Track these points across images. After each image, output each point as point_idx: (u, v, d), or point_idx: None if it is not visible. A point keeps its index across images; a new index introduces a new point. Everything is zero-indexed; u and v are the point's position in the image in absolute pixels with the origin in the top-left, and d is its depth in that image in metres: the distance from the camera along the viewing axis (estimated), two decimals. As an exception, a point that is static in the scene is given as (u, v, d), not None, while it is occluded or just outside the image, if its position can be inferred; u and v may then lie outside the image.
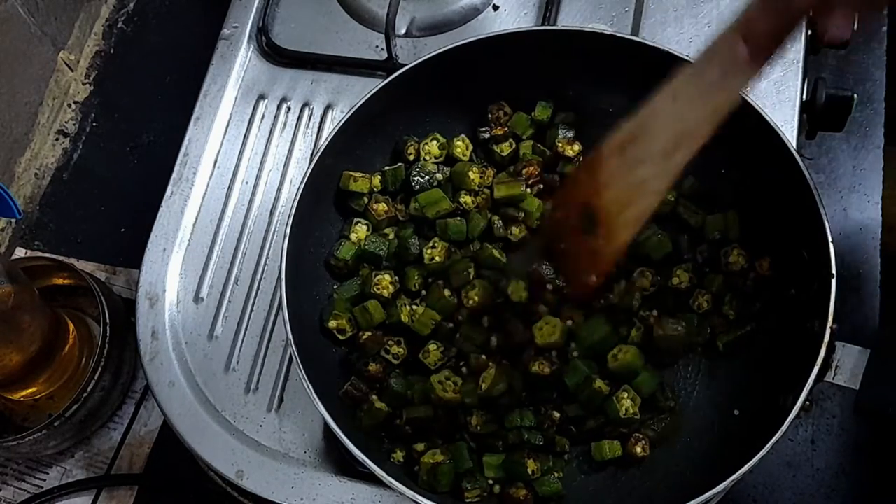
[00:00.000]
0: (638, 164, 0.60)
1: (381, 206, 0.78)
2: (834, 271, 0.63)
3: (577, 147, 0.77)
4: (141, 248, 0.84)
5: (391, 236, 0.78)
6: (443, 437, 0.71)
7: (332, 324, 0.74)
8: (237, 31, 0.93)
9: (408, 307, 0.74)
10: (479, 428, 0.70)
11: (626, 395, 0.70)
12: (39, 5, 0.96)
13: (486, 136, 0.80)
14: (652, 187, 0.60)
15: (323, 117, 0.88)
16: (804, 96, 0.80)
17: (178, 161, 0.87)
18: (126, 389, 0.87)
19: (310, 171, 0.72)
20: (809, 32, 0.83)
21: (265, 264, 0.83)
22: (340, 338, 0.74)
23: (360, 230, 0.78)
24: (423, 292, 0.76)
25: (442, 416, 0.71)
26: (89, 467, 0.86)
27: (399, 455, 0.71)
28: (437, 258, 0.75)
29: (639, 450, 0.69)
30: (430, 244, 0.76)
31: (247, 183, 0.87)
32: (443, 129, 0.80)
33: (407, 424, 0.71)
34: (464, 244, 0.77)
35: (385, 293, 0.75)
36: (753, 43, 0.54)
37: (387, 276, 0.75)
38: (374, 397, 0.72)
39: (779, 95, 0.79)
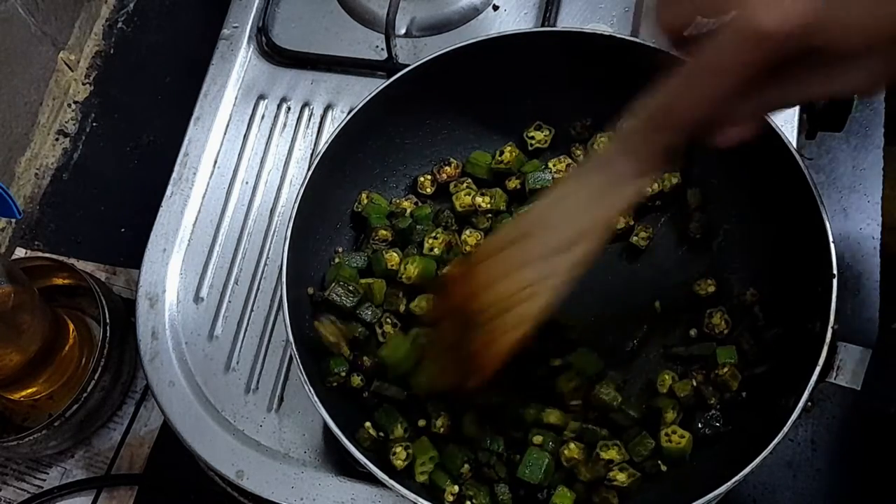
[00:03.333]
0: (519, 266, 0.57)
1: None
2: (835, 271, 0.63)
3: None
4: (141, 248, 0.84)
5: (407, 213, 0.78)
6: (409, 422, 0.71)
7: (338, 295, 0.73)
8: (237, 31, 0.93)
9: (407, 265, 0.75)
10: (441, 430, 0.70)
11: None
12: (39, 5, 0.96)
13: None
14: (541, 287, 0.57)
15: (323, 117, 0.88)
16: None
17: (178, 161, 0.87)
18: (126, 389, 0.87)
19: (311, 171, 0.72)
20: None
21: (265, 264, 0.83)
22: (347, 304, 0.73)
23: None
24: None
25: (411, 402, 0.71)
26: (89, 467, 0.86)
27: (402, 455, 0.70)
28: (436, 249, 0.75)
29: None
30: (433, 234, 0.76)
31: (247, 183, 0.87)
32: (442, 130, 0.81)
33: (375, 398, 0.72)
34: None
35: (398, 267, 0.75)
36: (636, 160, 0.53)
37: (395, 255, 0.76)
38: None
39: (779, 95, 0.79)
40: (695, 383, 0.69)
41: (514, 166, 0.79)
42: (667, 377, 0.70)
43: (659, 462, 0.68)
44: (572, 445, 0.68)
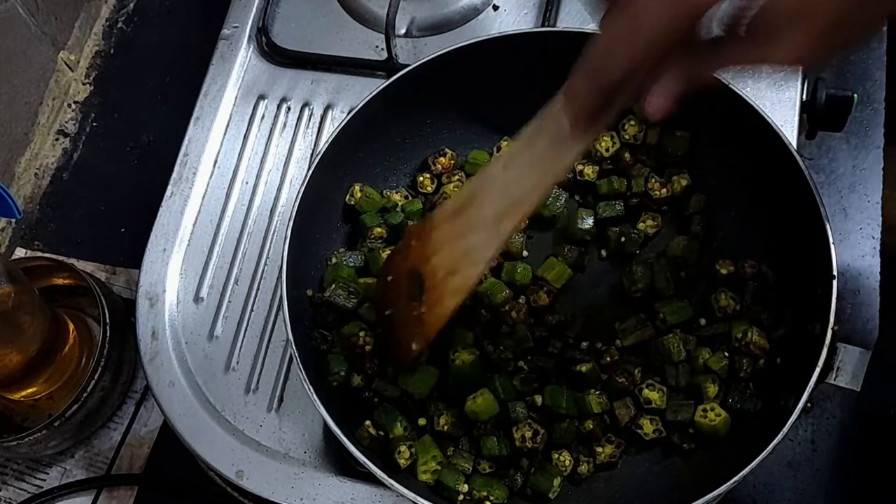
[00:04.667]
0: (467, 231, 0.60)
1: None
2: (835, 272, 0.63)
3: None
4: (141, 248, 0.84)
5: (398, 208, 0.78)
6: (409, 421, 0.71)
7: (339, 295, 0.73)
8: (237, 31, 0.93)
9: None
10: (445, 428, 0.70)
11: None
12: (39, 5, 0.96)
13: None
14: (478, 256, 0.60)
15: (323, 117, 0.88)
16: (804, 96, 0.80)
17: (178, 161, 0.87)
18: (126, 389, 0.87)
19: (311, 172, 0.72)
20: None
21: (265, 264, 0.83)
22: (348, 305, 0.73)
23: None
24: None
25: (410, 402, 0.72)
26: (89, 467, 0.86)
27: (406, 453, 0.70)
28: None
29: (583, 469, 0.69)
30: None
31: (247, 183, 0.87)
32: (443, 130, 0.81)
33: (375, 397, 0.72)
34: None
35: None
36: (575, 115, 0.54)
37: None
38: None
39: (779, 95, 0.79)
40: (727, 354, 0.70)
41: None
42: (705, 353, 0.70)
43: (686, 439, 0.69)
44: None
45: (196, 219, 0.85)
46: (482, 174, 0.61)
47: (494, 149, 0.80)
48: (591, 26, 0.86)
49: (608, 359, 0.71)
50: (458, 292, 0.62)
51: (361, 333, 0.72)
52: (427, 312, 0.63)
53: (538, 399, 0.70)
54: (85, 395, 0.80)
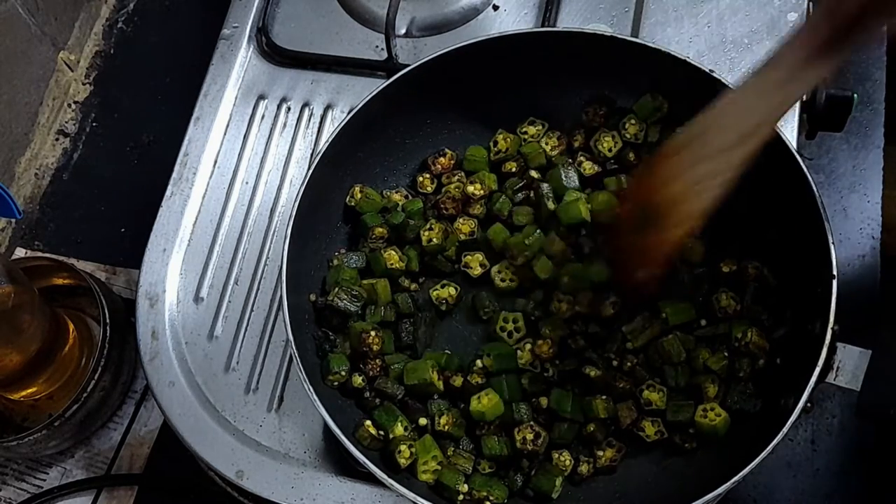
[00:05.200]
0: (700, 160, 0.61)
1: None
2: (835, 272, 0.63)
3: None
4: (141, 248, 0.84)
5: (399, 207, 0.78)
6: (409, 421, 0.71)
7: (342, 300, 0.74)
8: (237, 31, 0.93)
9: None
10: (446, 428, 0.71)
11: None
12: (39, 5, 0.96)
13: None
14: (711, 184, 0.60)
15: (323, 117, 0.88)
16: (804, 96, 0.80)
17: (178, 161, 0.87)
18: (126, 389, 0.87)
19: (311, 171, 0.72)
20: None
21: (265, 264, 0.83)
22: (351, 308, 0.73)
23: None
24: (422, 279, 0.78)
25: (411, 402, 0.72)
26: (89, 467, 0.86)
27: (406, 453, 0.70)
28: (434, 239, 0.76)
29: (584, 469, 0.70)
30: (428, 225, 0.76)
31: (247, 183, 0.87)
32: (443, 130, 0.81)
33: (376, 397, 0.72)
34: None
35: (397, 266, 0.76)
36: (834, 26, 0.54)
37: (394, 253, 0.76)
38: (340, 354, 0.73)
39: (779, 95, 0.79)
40: (727, 354, 0.70)
41: (511, 150, 0.79)
42: (705, 354, 0.70)
43: (687, 439, 0.69)
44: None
45: (196, 219, 0.85)
46: (712, 108, 0.61)
47: (490, 143, 0.80)
48: (591, 26, 0.86)
49: (628, 364, 0.71)
50: (689, 221, 0.62)
51: (373, 332, 0.72)
52: (657, 242, 0.63)
53: (543, 401, 0.70)
54: (85, 395, 0.80)
